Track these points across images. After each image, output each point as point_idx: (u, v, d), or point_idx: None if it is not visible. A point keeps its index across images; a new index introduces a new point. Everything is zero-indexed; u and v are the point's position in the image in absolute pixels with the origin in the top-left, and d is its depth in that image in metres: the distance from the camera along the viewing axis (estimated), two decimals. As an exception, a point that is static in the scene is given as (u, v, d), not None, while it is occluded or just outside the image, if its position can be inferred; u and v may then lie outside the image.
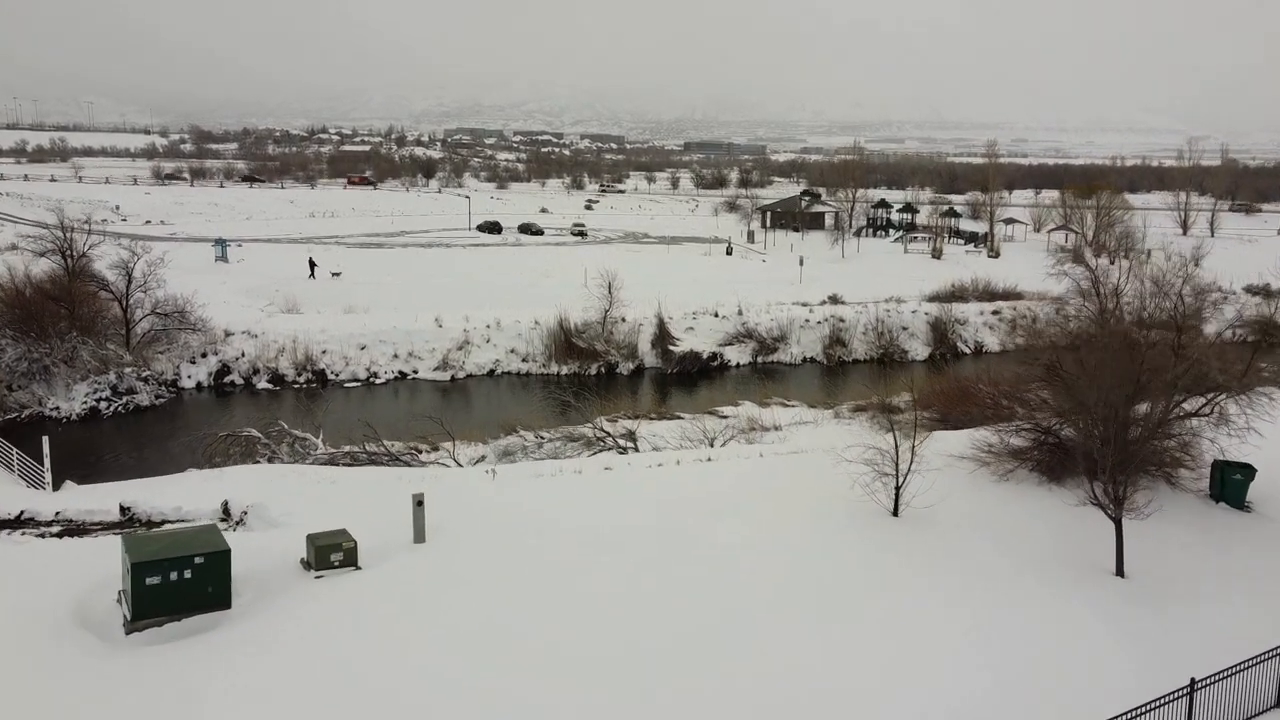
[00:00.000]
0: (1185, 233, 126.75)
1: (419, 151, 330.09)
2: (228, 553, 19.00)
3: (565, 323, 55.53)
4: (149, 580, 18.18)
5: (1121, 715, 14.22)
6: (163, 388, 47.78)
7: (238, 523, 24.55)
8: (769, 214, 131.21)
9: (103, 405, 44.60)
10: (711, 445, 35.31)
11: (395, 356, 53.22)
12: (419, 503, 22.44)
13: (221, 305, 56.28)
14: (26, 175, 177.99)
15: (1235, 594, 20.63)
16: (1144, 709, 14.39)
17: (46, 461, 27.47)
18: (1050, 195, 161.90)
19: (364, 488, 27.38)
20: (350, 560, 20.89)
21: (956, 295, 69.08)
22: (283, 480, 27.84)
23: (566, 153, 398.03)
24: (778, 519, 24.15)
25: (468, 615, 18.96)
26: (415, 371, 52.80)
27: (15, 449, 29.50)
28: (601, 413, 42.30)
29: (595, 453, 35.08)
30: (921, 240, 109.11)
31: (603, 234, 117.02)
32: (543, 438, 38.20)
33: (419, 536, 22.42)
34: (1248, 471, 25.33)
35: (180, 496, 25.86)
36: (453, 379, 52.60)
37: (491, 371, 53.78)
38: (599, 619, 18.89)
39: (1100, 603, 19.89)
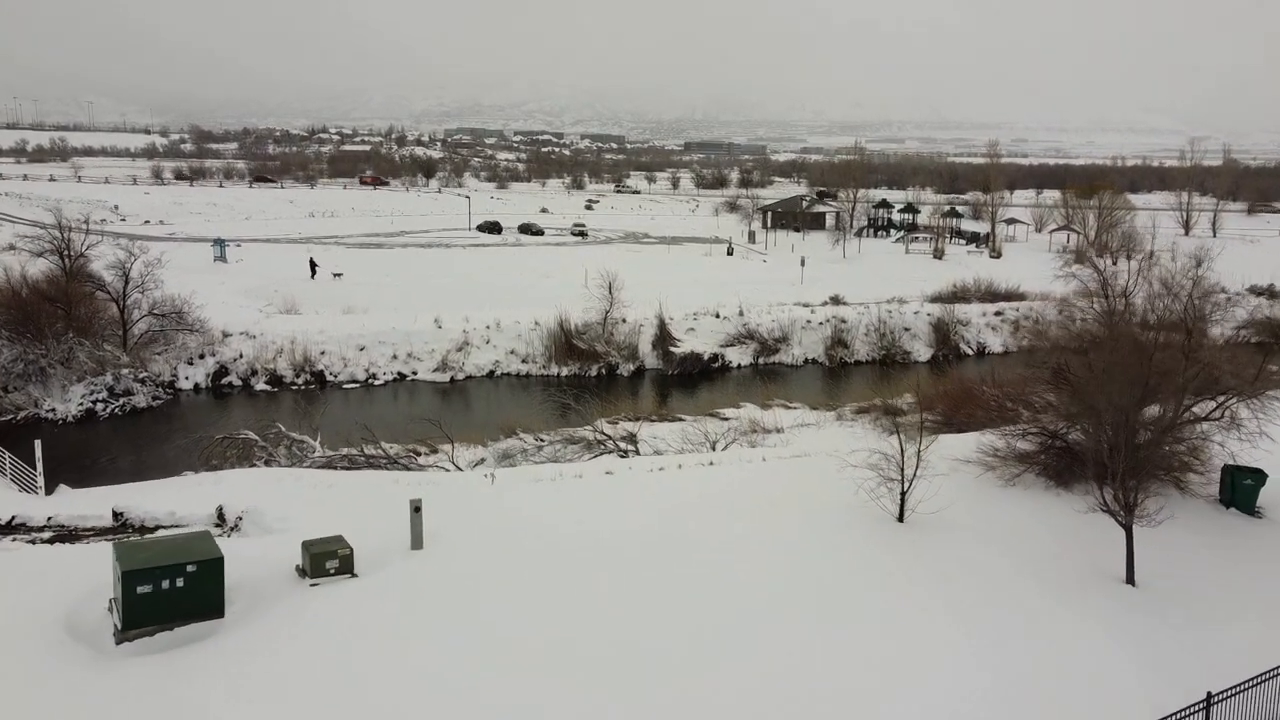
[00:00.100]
0: (1187, 233, 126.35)
1: (419, 151, 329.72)
2: (220, 560, 18.62)
3: (565, 324, 55.15)
4: (140, 589, 17.80)
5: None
6: (160, 389, 47.42)
7: (232, 528, 24.17)
8: (770, 214, 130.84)
9: (99, 407, 44.23)
10: (713, 449, 34.90)
11: (394, 357, 52.84)
12: (416, 509, 22.05)
13: (220, 306, 55.90)
14: (26, 175, 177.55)
15: (1249, 603, 20.26)
16: (1160, 724, 14.03)
17: (39, 465, 27.09)
18: (1052, 195, 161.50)
19: (361, 492, 27.01)
20: (346, 567, 20.51)
21: (959, 296, 68.71)
22: (279, 484, 27.46)
23: (567, 153, 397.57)
24: (781, 525, 23.78)
25: (465, 624, 18.59)
26: (414, 373, 52.42)
27: (8, 453, 29.12)
28: (602, 415, 41.94)
29: (595, 456, 34.69)
30: (923, 240, 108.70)
31: (603, 234, 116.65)
32: (542, 440, 37.82)
33: (416, 543, 22.04)
34: (1259, 477, 24.95)
35: (174, 501, 25.48)
36: (452, 380, 52.23)
37: (491, 373, 53.40)
38: (599, 627, 18.52)
39: (1110, 612, 19.51)
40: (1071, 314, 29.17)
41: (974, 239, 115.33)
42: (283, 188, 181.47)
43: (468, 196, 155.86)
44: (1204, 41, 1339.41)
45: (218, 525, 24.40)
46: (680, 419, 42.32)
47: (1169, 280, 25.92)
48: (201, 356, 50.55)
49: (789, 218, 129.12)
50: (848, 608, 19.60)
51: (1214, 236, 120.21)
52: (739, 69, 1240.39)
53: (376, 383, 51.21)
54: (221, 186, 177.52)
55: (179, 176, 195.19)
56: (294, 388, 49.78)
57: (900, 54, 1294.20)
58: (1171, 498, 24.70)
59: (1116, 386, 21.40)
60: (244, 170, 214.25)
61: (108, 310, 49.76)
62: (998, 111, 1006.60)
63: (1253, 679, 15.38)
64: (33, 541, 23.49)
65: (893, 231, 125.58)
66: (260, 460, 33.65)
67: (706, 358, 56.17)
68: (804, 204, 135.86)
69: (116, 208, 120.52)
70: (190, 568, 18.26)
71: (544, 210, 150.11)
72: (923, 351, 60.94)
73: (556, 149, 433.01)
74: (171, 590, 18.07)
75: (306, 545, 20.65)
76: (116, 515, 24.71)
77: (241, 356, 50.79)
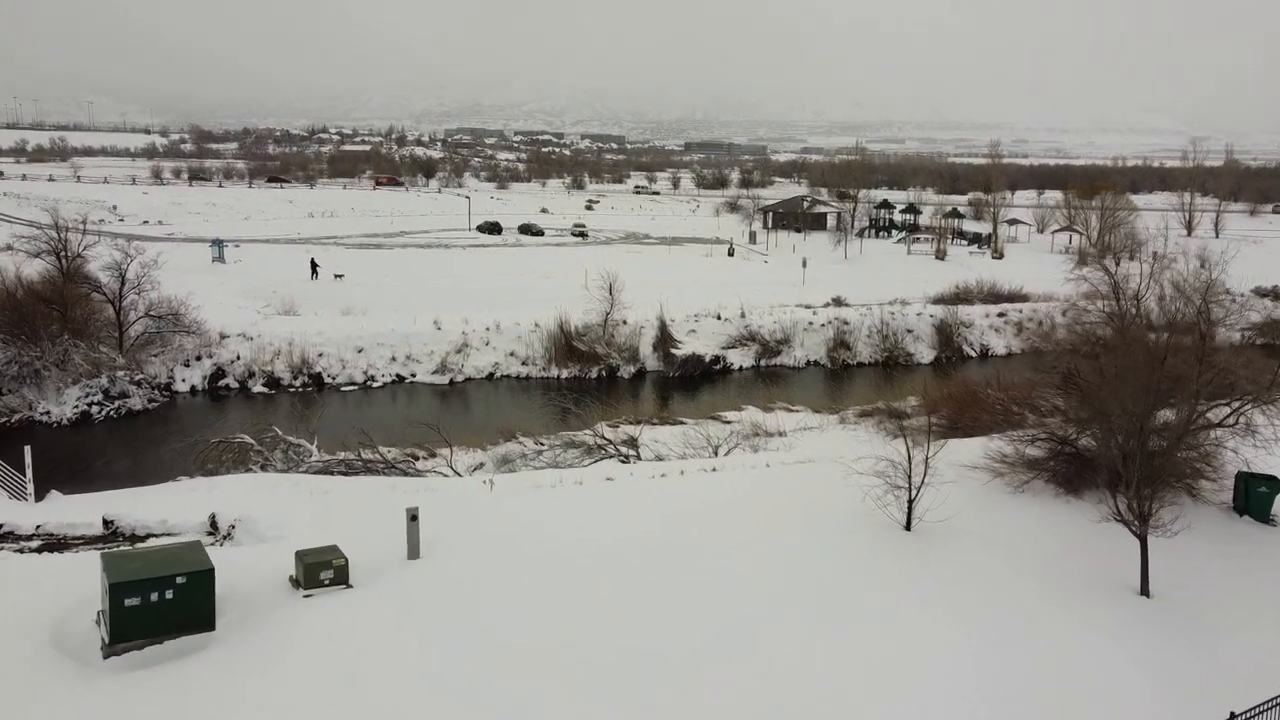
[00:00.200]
0: (1190, 233, 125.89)
1: (419, 151, 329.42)
2: (211, 572, 18.12)
3: (565, 325, 54.65)
4: (128, 601, 17.30)
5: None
6: (156, 391, 46.92)
7: (225, 537, 23.65)
8: (771, 214, 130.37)
9: (94, 410, 43.73)
10: (715, 453, 34.40)
11: (393, 359, 52.34)
12: (413, 517, 21.55)
13: (217, 307, 55.39)
14: (25, 175, 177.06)
15: (1267, 616, 19.74)
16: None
17: (28, 472, 26.57)
18: (1053, 196, 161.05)
19: (358, 499, 26.50)
20: (341, 578, 20.02)
21: (961, 297, 68.24)
22: (274, 490, 26.95)
23: (567, 153, 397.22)
24: (786, 532, 23.29)
25: (462, 636, 18.11)
26: (413, 375, 51.92)
27: (-3, 458, 28.61)
28: (602, 418, 41.44)
29: (596, 460, 34.20)
30: (925, 241, 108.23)
31: (603, 234, 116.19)
32: (542, 444, 37.32)
33: (413, 552, 21.53)
34: (1273, 484, 24.48)
35: (166, 509, 24.96)
36: (451, 382, 51.73)
37: (490, 375, 52.90)
38: (600, 639, 18.03)
39: (1124, 624, 19.01)
40: (1081, 317, 28.64)
41: (976, 240, 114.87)
42: (281, 188, 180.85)
43: (468, 197, 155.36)
44: (1204, 41, 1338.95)
45: (210, 533, 23.90)
46: (682, 422, 41.81)
47: (1181, 283, 25.42)
48: (198, 358, 50.04)
49: (790, 218, 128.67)
50: (854, 615, 19.16)
51: (1216, 237, 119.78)
52: (739, 69, 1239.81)
53: (375, 385, 50.71)
54: (221, 186, 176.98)
55: (195, 177, 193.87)
56: (291, 390, 49.28)
57: (900, 54, 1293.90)
58: (1184, 505, 24.20)
59: (1129, 392, 20.91)
60: (244, 170, 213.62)
61: (104, 312, 49.26)
62: (998, 111, 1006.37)
63: (1277, 698, 14.88)
64: (21, 550, 22.97)
65: (894, 232, 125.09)
66: (256, 465, 33.15)
67: (708, 360, 55.69)
68: (805, 204, 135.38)
69: (115, 208, 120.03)
70: (180, 579, 17.76)
71: (544, 210, 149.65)
72: (925, 353, 60.47)
73: (557, 149, 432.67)
74: (161, 602, 17.57)
75: (300, 555, 20.16)
76: (107, 523, 24.19)
77: (239, 358, 50.29)
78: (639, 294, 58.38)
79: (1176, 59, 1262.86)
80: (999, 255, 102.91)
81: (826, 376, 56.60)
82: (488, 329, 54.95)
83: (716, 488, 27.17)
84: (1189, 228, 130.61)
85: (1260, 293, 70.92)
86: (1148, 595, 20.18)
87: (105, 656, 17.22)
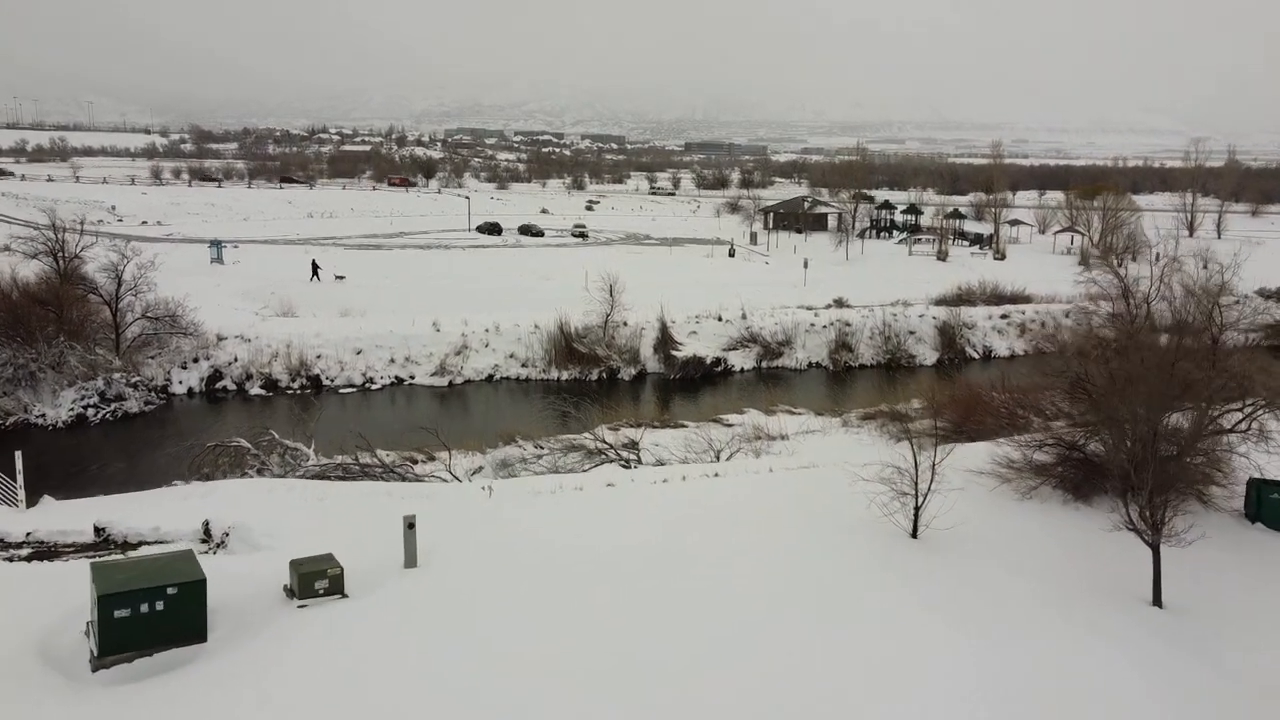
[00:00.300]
0: (1191, 234, 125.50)
1: (419, 151, 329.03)
2: (203, 582, 17.70)
3: (566, 327, 54.23)
4: (117, 613, 16.87)
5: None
6: (152, 394, 46.55)
7: (218, 545, 23.23)
8: (771, 215, 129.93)
9: (90, 412, 43.36)
10: (718, 458, 33.98)
11: (392, 361, 51.94)
12: (410, 525, 21.12)
13: (215, 308, 55.00)
14: (24, 175, 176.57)
15: (1282, 627, 19.31)
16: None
17: (19, 477, 26.13)
18: (1054, 196, 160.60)
19: (354, 504, 26.08)
20: (336, 588, 19.60)
21: (964, 298, 67.88)
22: (269, 496, 26.53)
23: (567, 153, 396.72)
24: (789, 539, 22.86)
25: (459, 646, 17.68)
26: (412, 377, 51.51)
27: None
28: (603, 421, 41.04)
29: (596, 465, 33.79)
30: (926, 242, 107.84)
31: (603, 235, 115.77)
32: (542, 448, 36.92)
33: (410, 561, 21.10)
34: (1286, 490, 24.04)
35: (159, 515, 24.53)
36: (450, 385, 51.33)
37: (490, 377, 52.49)
38: (601, 652, 17.60)
39: (1137, 636, 18.57)
40: (1089, 321, 28.21)
41: (977, 240, 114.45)
42: (281, 188, 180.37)
43: (467, 197, 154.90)
44: (1204, 41, 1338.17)
45: (204, 540, 23.48)
46: (683, 425, 41.42)
47: (1192, 286, 25.00)
48: (195, 360, 49.66)
49: (791, 219, 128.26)
50: (858, 621, 18.75)
51: (1219, 238, 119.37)
52: (739, 69, 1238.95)
53: (373, 387, 50.31)
54: (220, 186, 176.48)
55: (206, 178, 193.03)
56: (289, 392, 48.88)
57: (900, 54, 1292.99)
58: (1194, 512, 23.76)
59: (1141, 397, 20.49)
60: (244, 170, 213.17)
61: (100, 313, 48.86)
62: (998, 112, 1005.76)
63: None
64: (10, 559, 22.55)
65: (895, 233, 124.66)
66: (252, 469, 32.74)
67: (709, 362, 55.29)
68: (806, 205, 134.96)
69: (114, 208, 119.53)
70: (171, 590, 17.33)
71: (544, 211, 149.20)
72: (928, 355, 60.07)
73: (557, 149, 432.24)
74: (151, 614, 17.14)
75: (295, 564, 19.74)
76: (98, 531, 23.75)
77: (236, 360, 49.90)
78: (639, 295, 57.95)
79: (1176, 59, 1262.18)
80: (1001, 256, 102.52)
81: (828, 378, 56.21)
82: (487, 331, 54.54)
83: (719, 493, 26.74)
84: (1191, 228, 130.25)
85: (1265, 294, 70.51)
86: (1160, 606, 19.76)
87: (94, 669, 16.80)
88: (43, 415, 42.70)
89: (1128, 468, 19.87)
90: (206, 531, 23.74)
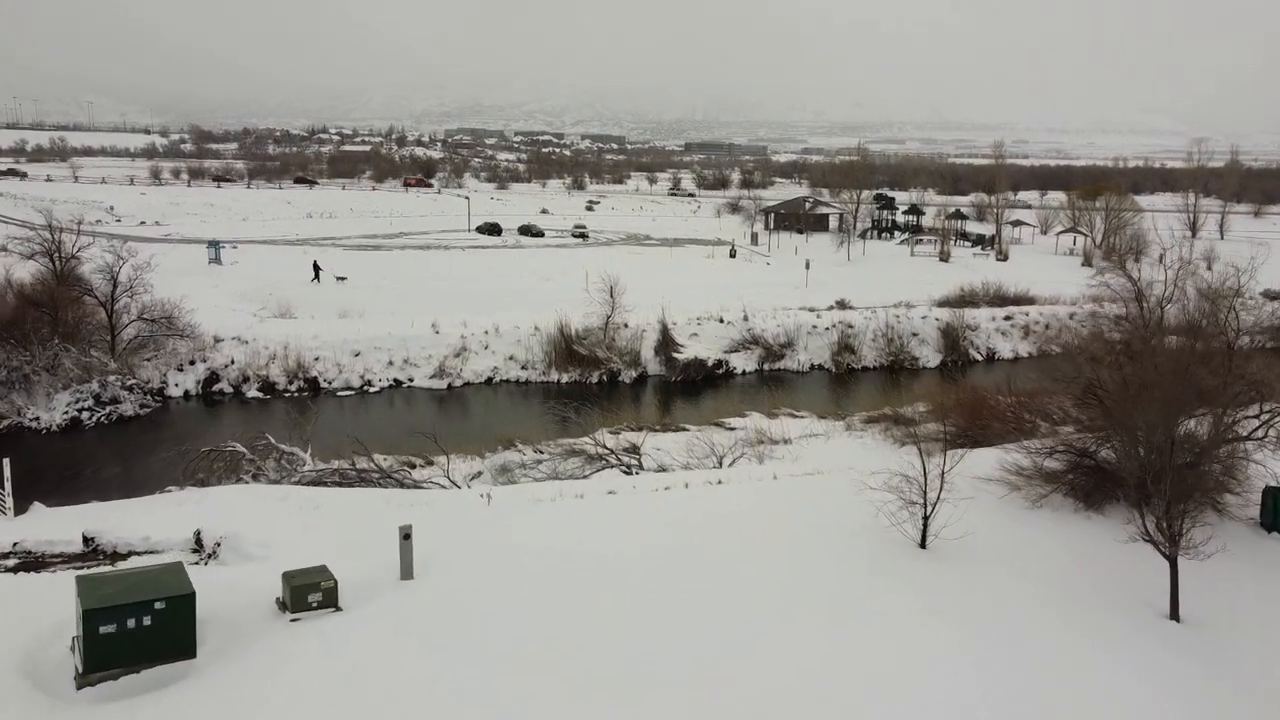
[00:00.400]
0: (1194, 235, 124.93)
1: (419, 151, 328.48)
2: (192, 596, 17.14)
3: (566, 328, 53.70)
4: (103, 629, 16.32)
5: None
6: (148, 397, 46.05)
7: (210, 555, 22.67)
8: (772, 215, 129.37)
9: (85, 415, 42.87)
10: (720, 464, 33.42)
11: (390, 363, 51.43)
12: (406, 536, 20.56)
13: (212, 310, 54.48)
14: (27, 174, 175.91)
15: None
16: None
17: (7, 485, 25.57)
18: (1056, 197, 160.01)
19: (350, 512, 25.54)
20: (330, 601, 19.05)
21: (967, 300, 67.34)
22: (263, 504, 25.98)
23: (567, 153, 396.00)
24: (796, 548, 22.33)
25: (456, 663, 17.14)
26: (411, 379, 50.99)
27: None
28: (603, 424, 40.52)
29: (597, 470, 33.26)
30: (928, 243, 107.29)
31: (604, 236, 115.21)
32: (542, 452, 36.39)
33: (406, 573, 20.55)
34: (1304, 500, 23.51)
35: (150, 524, 23.96)
36: (449, 387, 50.80)
37: (489, 379, 51.96)
38: (603, 663, 17.06)
39: (1154, 651, 18.03)
40: (1100, 324, 27.66)
41: (979, 241, 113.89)
42: (280, 188, 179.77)
43: (467, 197, 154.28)
44: (1204, 41, 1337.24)
45: (195, 550, 22.92)
46: (684, 429, 40.89)
47: (1207, 289, 24.46)
48: (192, 363, 49.15)
49: (792, 219, 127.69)
50: (867, 633, 18.25)
51: (1221, 239, 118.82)
52: (739, 69, 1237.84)
53: (372, 390, 49.78)
54: (219, 186, 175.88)
55: (217, 178, 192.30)
56: (287, 395, 48.37)
57: (900, 54, 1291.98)
58: (1211, 523, 23.20)
59: (1156, 404, 19.95)
60: (243, 170, 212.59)
61: (96, 315, 48.39)
62: (998, 112, 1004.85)
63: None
64: (-4, 569, 22.00)
65: (897, 233, 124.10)
66: (248, 475, 32.16)
67: (710, 364, 54.77)
68: (807, 205, 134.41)
69: (112, 208, 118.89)
70: (159, 605, 16.77)
71: (544, 211, 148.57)
72: (931, 357, 59.56)
73: (557, 149, 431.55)
74: (138, 629, 16.59)
75: (287, 576, 19.19)
76: (87, 540, 23.15)
77: (233, 363, 49.38)
78: (640, 296, 57.42)
79: (1176, 59, 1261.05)
80: (1003, 257, 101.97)
81: (831, 381, 55.70)
82: (486, 332, 54.02)
83: (722, 501, 26.21)
84: (1193, 229, 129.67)
85: (1270, 295, 69.91)
86: (1178, 620, 19.22)
87: (79, 687, 16.26)
88: (36, 418, 42.19)
89: (1144, 477, 19.32)
90: (198, 541, 23.18)
